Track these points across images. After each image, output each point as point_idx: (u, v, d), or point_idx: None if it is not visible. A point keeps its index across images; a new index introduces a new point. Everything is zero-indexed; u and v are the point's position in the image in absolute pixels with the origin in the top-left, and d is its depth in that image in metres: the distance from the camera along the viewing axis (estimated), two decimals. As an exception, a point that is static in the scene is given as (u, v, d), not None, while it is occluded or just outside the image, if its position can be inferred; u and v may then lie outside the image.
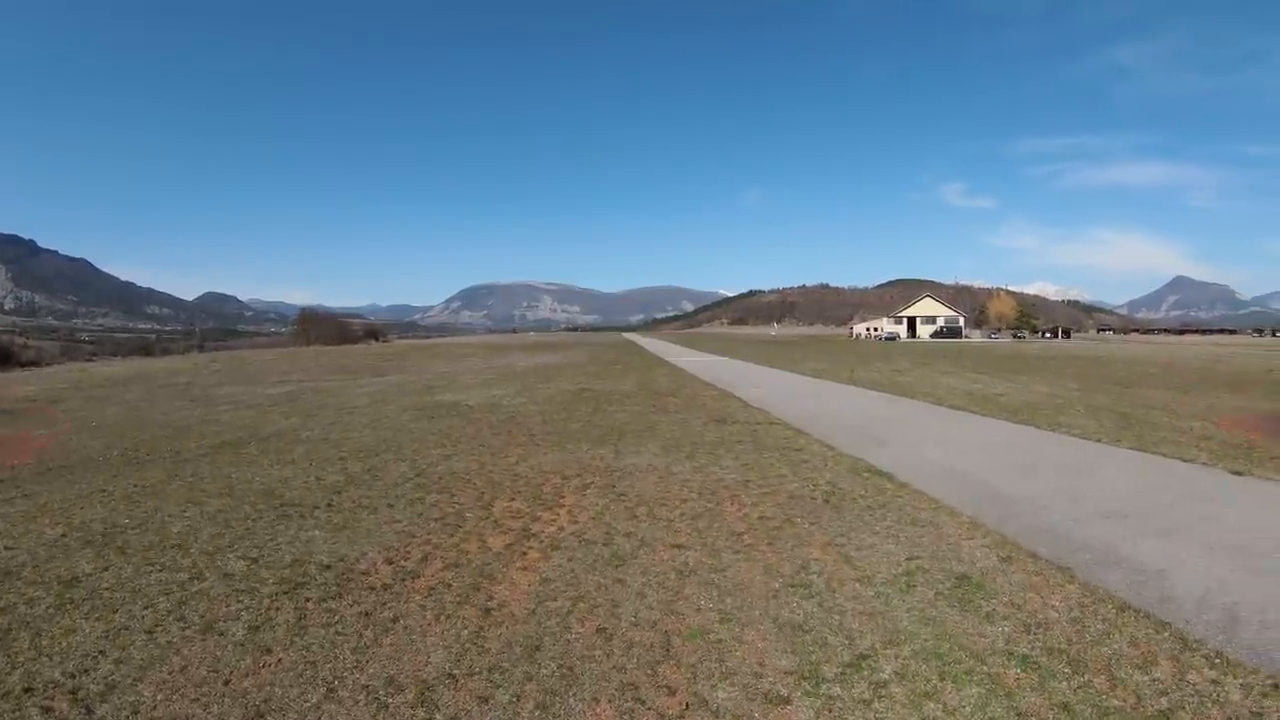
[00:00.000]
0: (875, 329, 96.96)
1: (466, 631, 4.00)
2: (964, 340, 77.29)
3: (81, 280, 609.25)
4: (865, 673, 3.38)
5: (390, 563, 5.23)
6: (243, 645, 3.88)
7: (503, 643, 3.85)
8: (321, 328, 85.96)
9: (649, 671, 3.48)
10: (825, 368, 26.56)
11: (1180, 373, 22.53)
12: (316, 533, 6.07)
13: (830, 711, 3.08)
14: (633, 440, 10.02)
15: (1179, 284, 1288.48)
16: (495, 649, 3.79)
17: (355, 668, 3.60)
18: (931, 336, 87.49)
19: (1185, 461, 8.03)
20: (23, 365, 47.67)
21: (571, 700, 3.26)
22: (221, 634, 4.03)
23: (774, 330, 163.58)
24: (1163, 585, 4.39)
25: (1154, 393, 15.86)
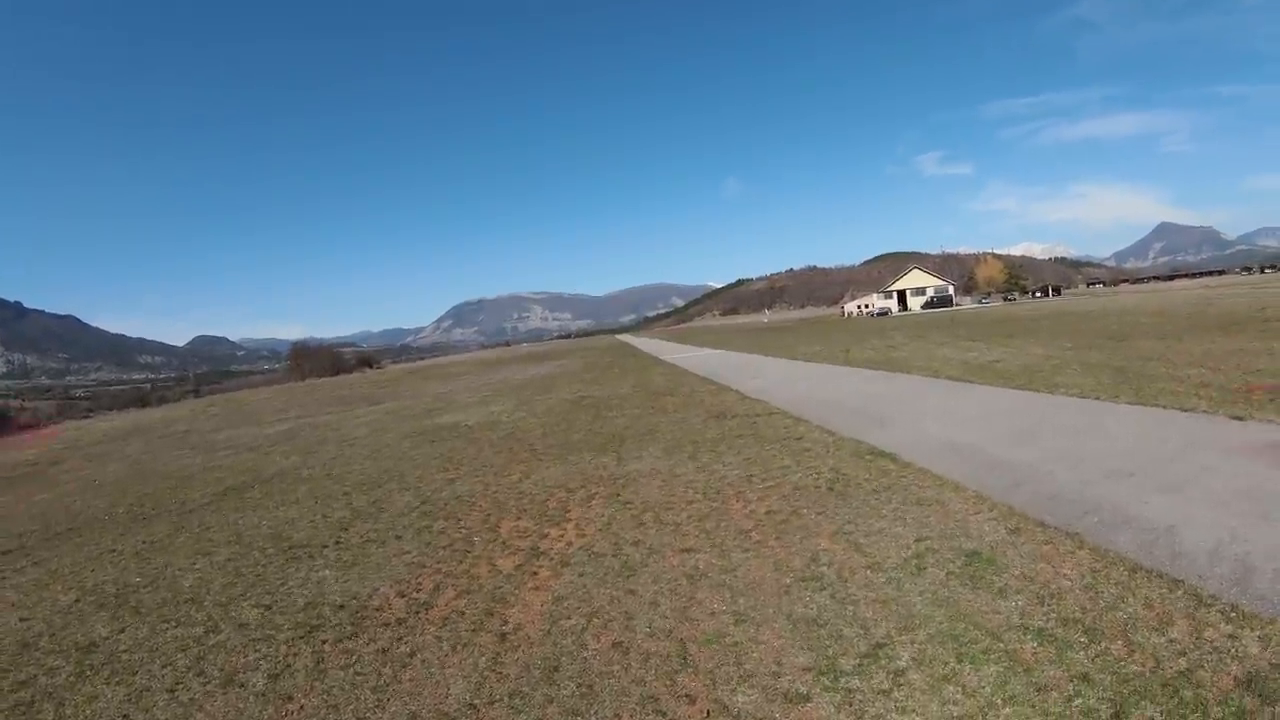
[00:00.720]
0: (866, 306, 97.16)
1: (484, 659, 4.00)
2: (955, 309, 77.44)
3: (71, 337, 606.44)
4: (883, 662, 3.39)
5: (403, 595, 5.24)
6: (264, 695, 3.89)
7: (521, 667, 3.86)
8: (315, 360, 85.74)
9: (668, 682, 3.48)
10: (820, 350, 26.58)
11: (1172, 320, 22.57)
12: (327, 572, 6.08)
13: (851, 705, 3.08)
14: (634, 445, 10.01)
15: (1164, 230, 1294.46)
16: (514, 674, 3.79)
17: (377, 706, 3.62)
18: (923, 308, 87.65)
19: (1185, 411, 7.94)
20: (21, 428, 47.46)
21: (593, 718, 3.25)
22: (242, 685, 4.05)
23: (765, 317, 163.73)
24: (1173, 542, 4.34)
25: (1148, 343, 15.74)
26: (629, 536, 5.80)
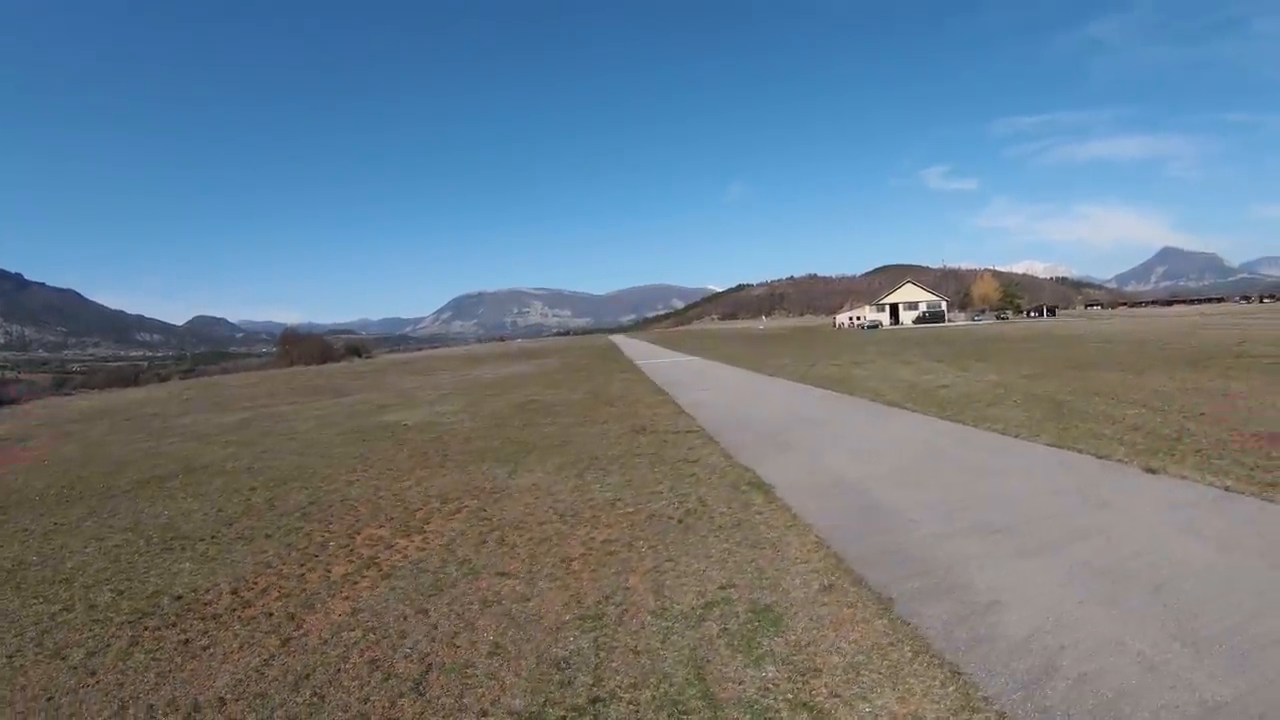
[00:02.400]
0: (858, 318, 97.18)
1: (258, 659, 4.22)
2: (946, 325, 77.55)
3: (70, 311, 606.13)
4: (588, 718, 3.35)
5: (235, 592, 5.44)
6: (76, 668, 4.27)
7: (281, 670, 4.06)
8: (304, 347, 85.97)
9: (388, 705, 3.59)
10: (788, 364, 26.67)
11: (1147, 349, 22.54)
12: (187, 564, 6.30)
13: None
14: (539, 457, 10.10)
15: (1167, 255, 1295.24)
16: (272, 676, 3.99)
17: (152, 689, 3.93)
18: (914, 322, 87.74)
19: (1099, 458, 7.69)
20: (2, 403, 47.51)
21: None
22: (64, 659, 4.44)
23: (761, 324, 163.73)
24: (986, 622, 3.97)
25: (1108, 375, 15.66)
26: (462, 554, 5.89)
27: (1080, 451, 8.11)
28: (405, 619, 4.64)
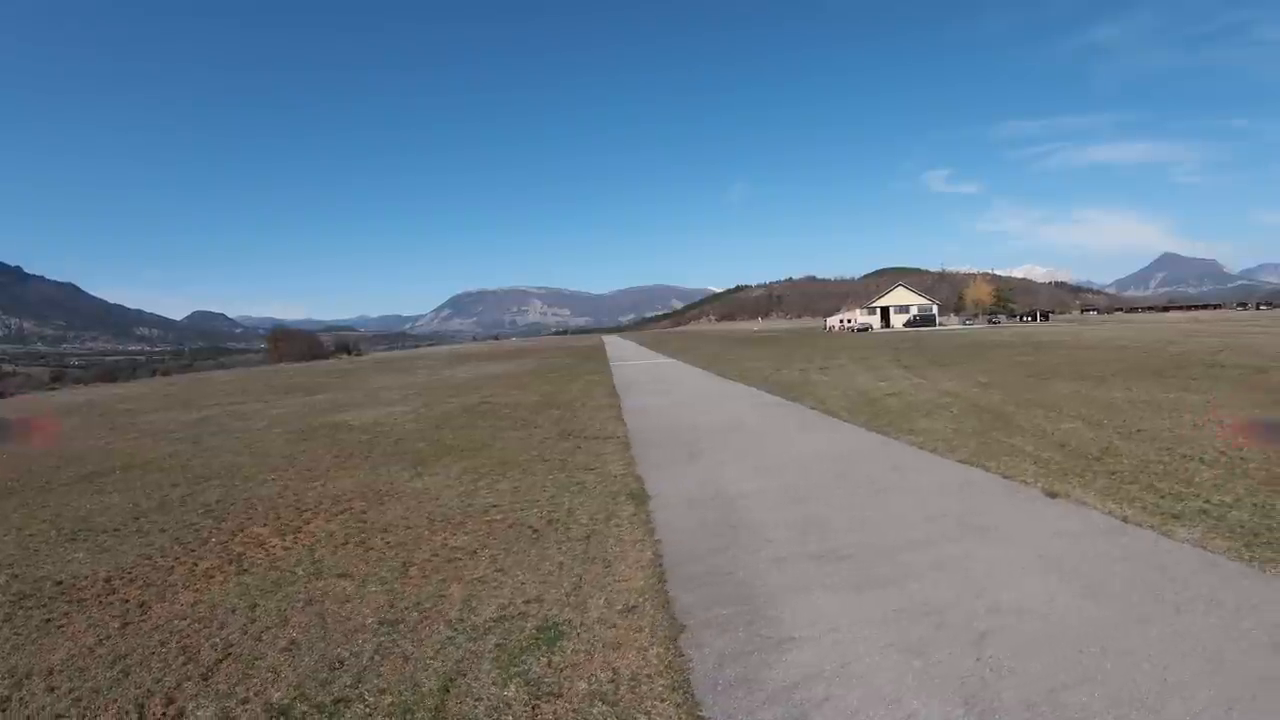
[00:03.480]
0: (848, 321, 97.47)
1: (95, 639, 4.60)
2: (934, 329, 77.77)
3: (70, 305, 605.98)
4: (325, 716, 3.57)
5: (107, 580, 5.75)
6: None
7: (109, 650, 4.43)
8: (292, 344, 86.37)
9: (174, 685, 3.96)
10: (755, 368, 26.91)
11: (1120, 357, 22.62)
12: (82, 554, 6.59)
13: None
14: (452, 460, 10.34)
15: (1166, 261, 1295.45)
16: (99, 654, 4.37)
17: (3, 658, 4.37)
18: (905, 326, 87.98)
19: (1005, 478, 7.49)
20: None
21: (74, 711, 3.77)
22: None
23: (756, 326, 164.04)
24: (764, 662, 3.75)
25: (1065, 385, 15.54)
26: (319, 555, 6.13)
27: (989, 470, 7.93)
28: (233, 612, 4.92)
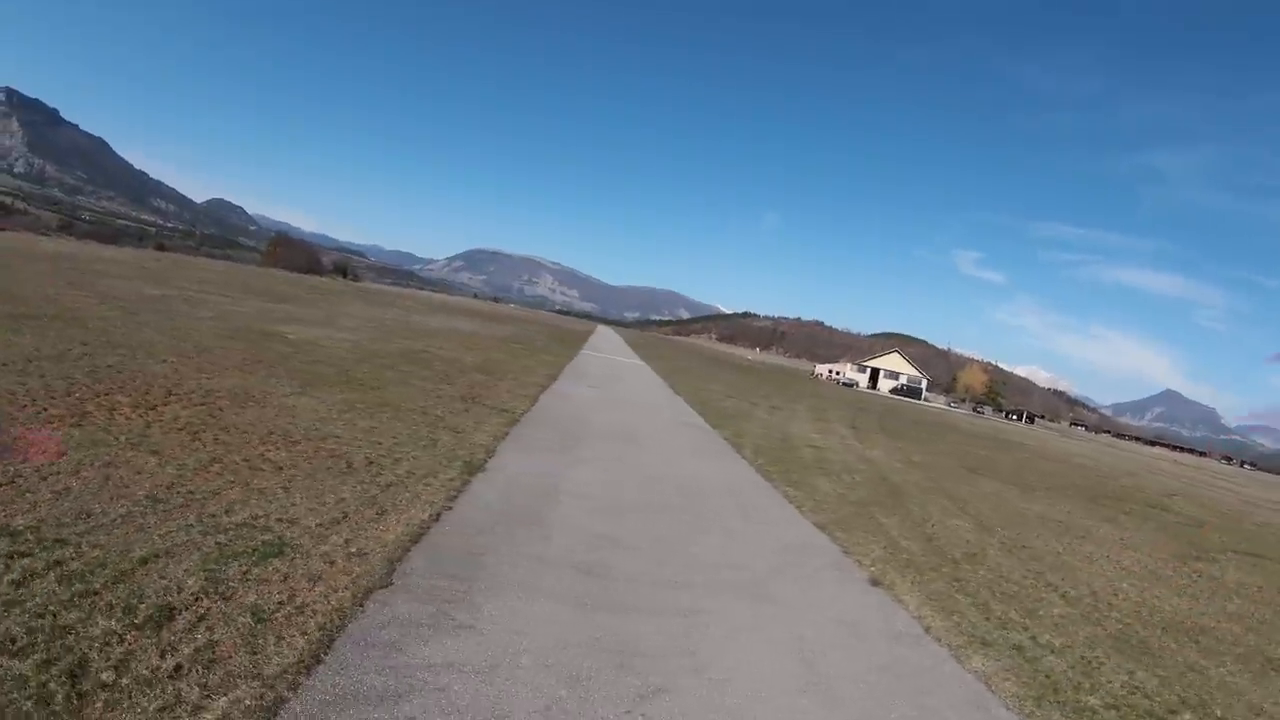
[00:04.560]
0: (837, 373, 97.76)
1: None
2: (917, 402, 78.15)
3: (95, 160, 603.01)
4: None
5: None
6: None
7: None
8: (291, 253, 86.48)
9: None
10: (713, 390, 27.32)
11: (1073, 475, 22.47)
12: None
13: None
14: (342, 389, 10.80)
15: (1167, 397, 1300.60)
16: None
17: None
18: (891, 392, 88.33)
19: (844, 553, 7.33)
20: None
21: None
22: None
23: (751, 355, 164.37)
24: (389, 665, 3.57)
25: (991, 486, 15.36)
26: (151, 431, 6.64)
27: (834, 539, 7.78)
28: (44, 454, 5.46)
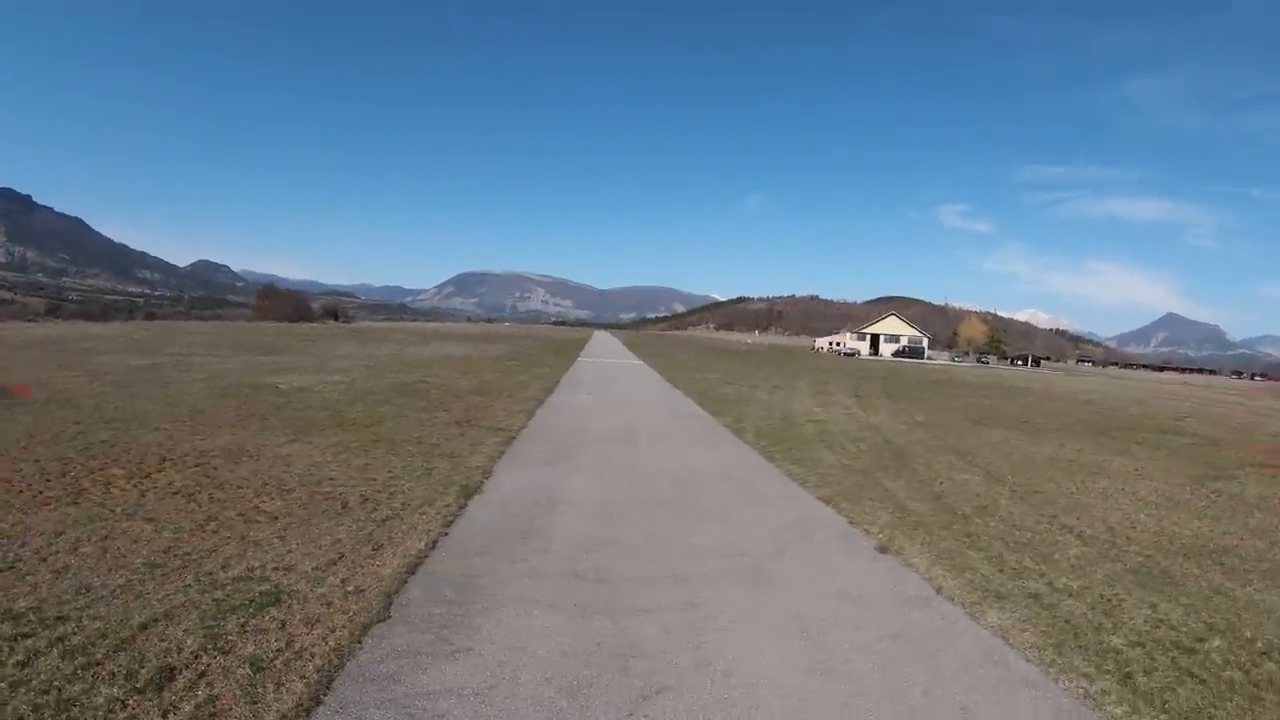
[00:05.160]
0: (837, 344, 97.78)
1: None
2: (920, 362, 78.13)
3: (75, 239, 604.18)
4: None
5: None
6: None
7: None
8: (279, 304, 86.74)
9: None
10: (711, 379, 27.21)
11: (1082, 411, 22.44)
12: None
13: None
14: (338, 432, 10.79)
15: (1170, 321, 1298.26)
16: None
17: None
18: (893, 355, 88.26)
19: (850, 524, 7.24)
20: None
21: None
22: None
23: (750, 339, 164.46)
24: (391, 698, 3.60)
25: (998, 433, 15.26)
26: (147, 500, 6.68)
27: (839, 511, 7.72)
28: (41, 535, 5.56)
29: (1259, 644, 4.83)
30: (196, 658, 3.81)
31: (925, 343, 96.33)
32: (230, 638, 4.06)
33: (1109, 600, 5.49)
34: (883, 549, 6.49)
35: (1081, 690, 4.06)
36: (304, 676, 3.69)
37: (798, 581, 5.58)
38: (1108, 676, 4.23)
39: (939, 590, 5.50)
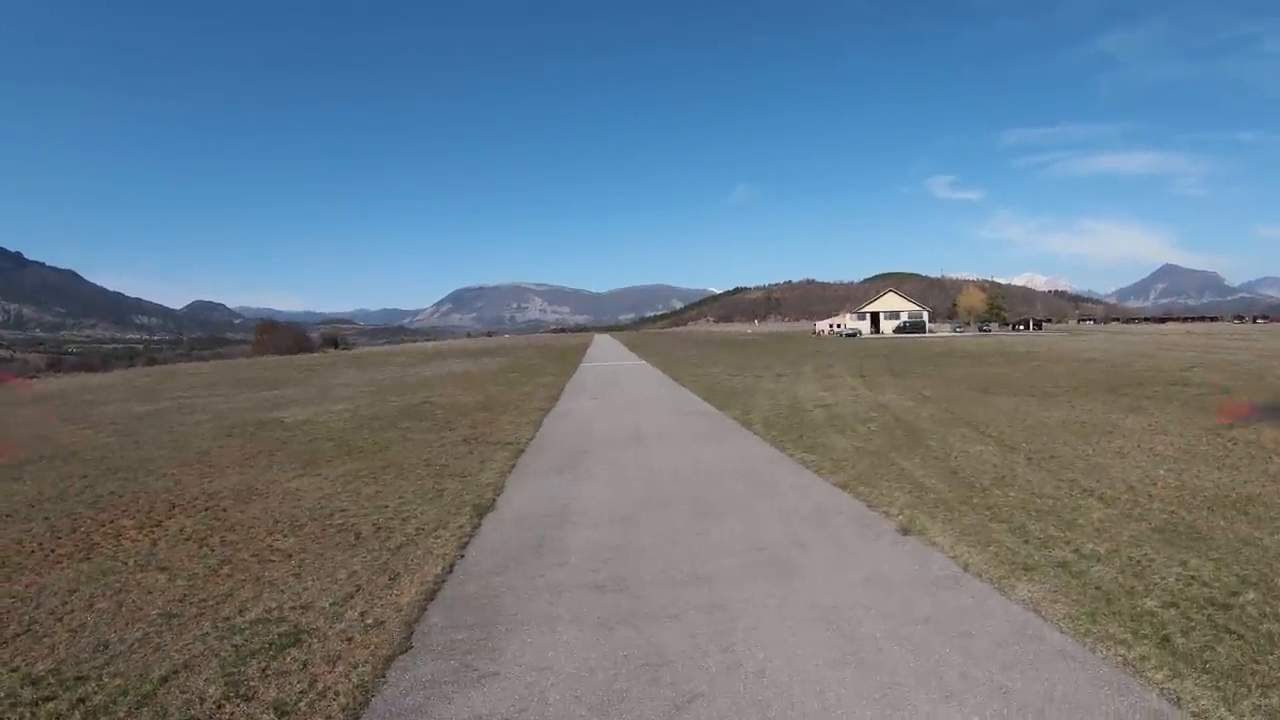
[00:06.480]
0: (838, 326, 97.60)
1: None
2: (923, 336, 77.92)
3: (69, 291, 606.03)
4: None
5: None
6: None
7: None
8: (278, 337, 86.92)
9: None
10: (715, 373, 27.08)
11: (1086, 371, 22.28)
12: None
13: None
14: (345, 461, 10.76)
15: (1167, 272, 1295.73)
16: None
17: None
18: (895, 332, 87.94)
19: (868, 507, 7.17)
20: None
21: None
22: None
23: (750, 329, 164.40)
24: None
25: (1007, 401, 15.14)
26: (158, 549, 6.62)
27: (857, 496, 7.63)
28: (55, 594, 5.53)
29: (1293, 592, 4.72)
30: (220, 707, 3.74)
31: (926, 316, 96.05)
32: (252, 683, 3.99)
33: (1138, 562, 5.38)
34: (904, 531, 6.40)
35: (1120, 657, 3.96)
36: (329, 717, 3.62)
37: (822, 572, 5.49)
38: (1145, 641, 4.13)
39: (966, 568, 5.40)
